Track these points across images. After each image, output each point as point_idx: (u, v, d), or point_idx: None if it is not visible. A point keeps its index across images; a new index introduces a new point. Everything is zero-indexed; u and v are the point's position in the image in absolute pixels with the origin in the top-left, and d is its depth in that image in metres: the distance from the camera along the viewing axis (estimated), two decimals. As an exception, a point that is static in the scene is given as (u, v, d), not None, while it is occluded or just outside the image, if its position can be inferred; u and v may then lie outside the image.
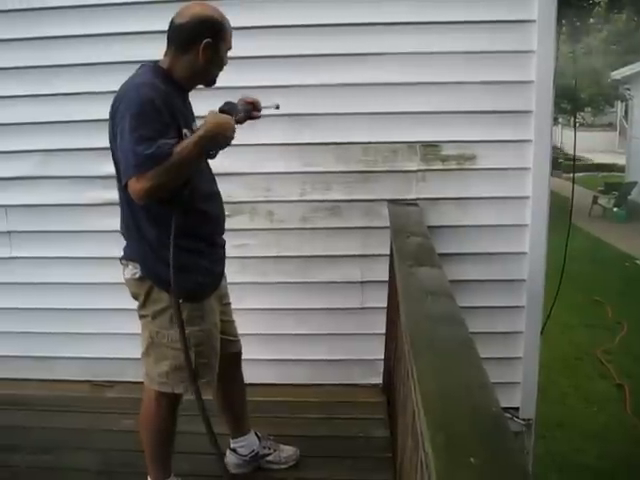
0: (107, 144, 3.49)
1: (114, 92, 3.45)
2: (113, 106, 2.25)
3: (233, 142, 2.35)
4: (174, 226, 2.25)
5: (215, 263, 2.51)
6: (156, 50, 3.36)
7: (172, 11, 3.38)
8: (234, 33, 2.36)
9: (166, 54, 2.34)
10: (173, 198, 2.24)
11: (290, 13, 3.40)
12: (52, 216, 3.74)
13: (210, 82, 2.43)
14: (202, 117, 2.34)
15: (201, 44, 2.26)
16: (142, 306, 2.44)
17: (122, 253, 2.45)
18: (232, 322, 2.77)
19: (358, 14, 3.41)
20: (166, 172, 2.12)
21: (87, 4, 3.48)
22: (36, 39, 3.54)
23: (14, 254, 3.81)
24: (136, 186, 2.12)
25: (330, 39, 3.42)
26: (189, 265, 2.36)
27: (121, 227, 2.44)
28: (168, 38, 2.33)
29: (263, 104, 2.65)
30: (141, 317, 2.47)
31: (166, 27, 3.35)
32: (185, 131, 2.28)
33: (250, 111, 2.58)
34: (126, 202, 2.32)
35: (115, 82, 3.45)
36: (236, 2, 3.07)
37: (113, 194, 3.51)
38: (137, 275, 2.38)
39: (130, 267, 2.40)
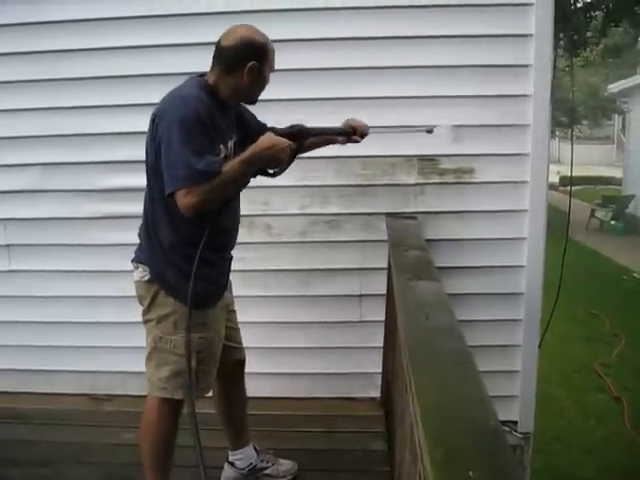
0: (106, 158, 3.55)
1: (114, 106, 3.53)
2: (156, 114, 2.28)
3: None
4: (204, 240, 2.28)
5: (221, 275, 2.55)
6: (157, 64, 3.42)
7: (171, 25, 3.45)
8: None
9: (211, 71, 2.38)
10: (207, 213, 2.27)
11: (283, 27, 3.41)
12: (51, 229, 3.74)
13: (252, 102, 2.51)
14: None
15: (246, 67, 2.31)
16: (147, 310, 2.46)
17: (133, 255, 2.49)
18: (237, 330, 2.80)
19: (352, 27, 3.44)
20: (213, 190, 2.17)
21: (88, 18, 3.50)
22: (37, 53, 3.56)
23: (13, 267, 3.81)
24: (184, 200, 2.16)
25: (328, 53, 3.45)
26: (198, 274, 2.37)
27: (140, 229, 2.49)
28: (213, 58, 2.37)
29: (416, 127, 2.94)
30: (146, 322, 2.49)
31: (168, 41, 3.44)
32: (221, 147, 2.31)
33: (350, 134, 2.73)
34: (150, 206, 2.38)
35: (115, 96, 3.52)
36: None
37: (112, 207, 3.57)
38: (146, 278, 2.40)
39: (140, 269, 2.43)
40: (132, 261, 2.48)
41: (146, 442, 2.55)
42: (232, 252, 2.63)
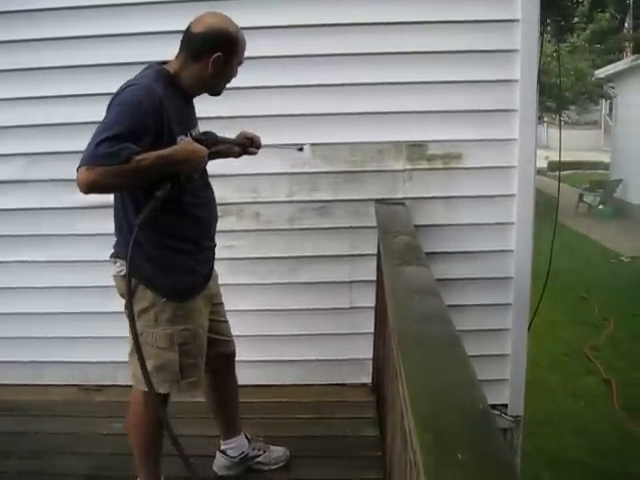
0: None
1: (99, 95, 3.46)
2: (109, 101, 2.26)
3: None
4: (146, 211, 2.22)
5: (201, 264, 2.51)
6: (140, 52, 3.39)
7: (154, 12, 3.42)
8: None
9: (177, 57, 2.35)
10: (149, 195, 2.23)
11: (273, 13, 3.40)
12: (36, 220, 3.72)
13: (215, 93, 2.46)
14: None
15: (211, 57, 2.28)
16: (128, 305, 2.43)
17: (112, 250, 2.46)
18: (225, 322, 2.77)
19: (341, 14, 3.42)
20: (116, 175, 2.11)
21: (70, 6, 3.47)
22: (19, 42, 3.53)
23: (-1, 258, 3.80)
24: (81, 176, 2.13)
25: (314, 39, 3.43)
26: (174, 264, 2.37)
27: (114, 224, 2.45)
28: (181, 43, 2.34)
29: (287, 145, 2.87)
30: (127, 316, 2.46)
31: (151, 29, 3.41)
32: (181, 137, 2.28)
33: (247, 146, 2.67)
34: (120, 200, 2.36)
35: (100, 84, 3.47)
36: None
37: (96, 197, 3.52)
38: (123, 272, 2.36)
39: (118, 264, 2.40)
40: (110, 256, 2.45)
41: (134, 435, 2.55)
42: (215, 242, 2.59)
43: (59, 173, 3.62)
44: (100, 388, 3.82)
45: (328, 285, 3.71)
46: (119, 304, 3.61)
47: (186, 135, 2.32)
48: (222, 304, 2.76)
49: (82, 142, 3.48)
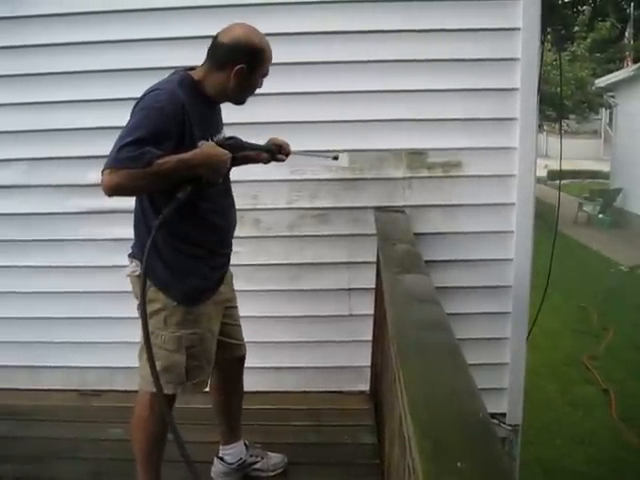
0: (91, 152, 3.52)
1: (100, 100, 3.51)
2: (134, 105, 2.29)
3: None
4: (166, 213, 2.23)
5: (214, 270, 2.53)
6: (142, 58, 3.41)
7: (160, 19, 3.42)
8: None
9: (203, 65, 2.37)
10: (170, 197, 2.25)
11: (274, 21, 3.40)
12: (36, 225, 3.72)
13: (238, 102, 2.48)
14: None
15: (234, 68, 2.30)
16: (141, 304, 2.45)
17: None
18: (238, 326, 2.80)
19: (343, 22, 3.43)
20: (138, 178, 2.13)
21: (72, 12, 3.47)
22: (20, 47, 3.53)
23: (-2, 263, 3.80)
24: (105, 178, 2.14)
25: (314, 47, 3.44)
26: (188, 269, 2.40)
27: (133, 225, 2.48)
28: (208, 51, 2.36)
29: (323, 154, 2.97)
30: (140, 316, 2.47)
31: (155, 35, 3.43)
32: (202, 142, 2.30)
33: (275, 153, 2.72)
34: (139, 202, 2.39)
35: (101, 90, 3.50)
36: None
37: (97, 203, 3.55)
38: (136, 273, 2.39)
39: (133, 264, 2.43)
40: (128, 256, 2.48)
41: (137, 437, 2.55)
42: (231, 248, 2.62)
43: (60, 178, 3.64)
44: (98, 393, 3.82)
45: (327, 292, 3.71)
46: (118, 310, 3.62)
47: (207, 140, 2.33)
48: (236, 308, 2.78)
49: (83, 148, 3.54)
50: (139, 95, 2.30)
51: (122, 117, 2.31)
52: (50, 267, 3.76)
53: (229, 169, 2.45)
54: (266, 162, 2.77)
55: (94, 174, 3.40)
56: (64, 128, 3.58)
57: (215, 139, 2.40)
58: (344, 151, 3.19)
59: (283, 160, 2.77)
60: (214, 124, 2.48)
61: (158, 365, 2.37)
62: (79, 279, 3.74)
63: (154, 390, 2.37)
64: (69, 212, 3.67)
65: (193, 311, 2.44)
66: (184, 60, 2.49)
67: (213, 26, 2.41)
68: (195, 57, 2.44)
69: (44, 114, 3.58)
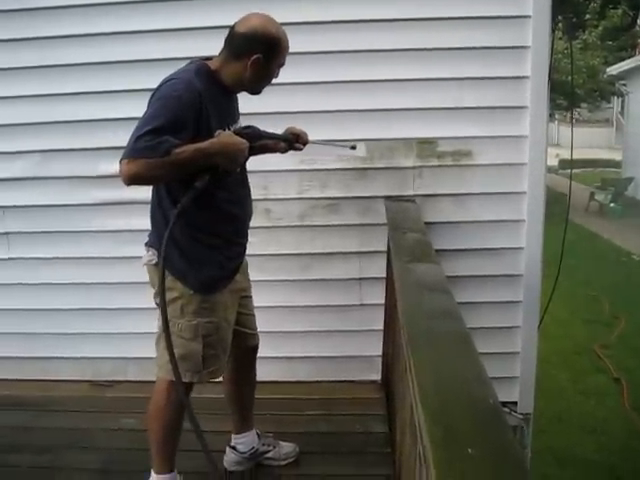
0: (104, 144, 3.55)
1: (112, 92, 3.52)
2: (151, 95, 2.30)
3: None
4: (184, 201, 2.25)
5: (230, 259, 2.54)
6: (155, 49, 3.42)
7: (171, 9, 3.43)
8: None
9: (220, 54, 2.38)
10: (187, 187, 2.27)
11: (283, 11, 3.39)
12: (49, 217, 3.74)
13: (254, 92, 2.49)
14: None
15: (251, 57, 2.30)
16: (157, 293, 2.46)
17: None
18: (252, 316, 2.82)
19: (352, 11, 3.42)
20: (156, 167, 2.15)
21: (88, 3, 3.48)
22: (36, 39, 3.54)
23: (12, 255, 3.81)
24: (123, 168, 2.16)
25: (325, 36, 3.43)
26: (204, 258, 2.42)
27: (150, 214, 2.50)
28: (225, 41, 2.37)
29: (341, 144, 2.99)
30: (157, 305, 2.49)
31: (167, 26, 3.43)
32: (219, 131, 2.31)
33: (293, 142, 2.72)
34: (156, 191, 2.41)
35: (113, 82, 3.51)
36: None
37: (110, 194, 3.57)
38: (153, 262, 2.41)
39: (150, 253, 2.44)
40: (145, 245, 2.50)
41: (153, 425, 2.57)
42: (247, 238, 2.63)
43: (74, 170, 3.65)
44: (111, 384, 3.84)
45: (338, 282, 3.71)
46: (131, 301, 3.65)
47: (224, 129, 2.34)
48: (251, 297, 2.80)
49: (96, 139, 3.55)
50: (152, 86, 2.32)
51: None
52: (62, 258, 3.78)
53: (246, 158, 2.46)
54: (284, 151, 2.78)
55: (107, 165, 3.43)
56: (78, 120, 3.59)
57: (232, 128, 2.41)
58: (357, 141, 3.18)
59: (301, 149, 2.78)
60: (231, 113, 2.49)
61: (175, 353, 2.39)
62: (92, 270, 3.77)
63: (172, 378, 2.40)
64: (83, 204, 3.69)
65: (209, 300, 2.46)
66: (197, 51, 2.50)
67: (228, 16, 2.42)
68: (208, 48, 2.45)
69: (56, 106, 3.59)
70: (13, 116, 3.65)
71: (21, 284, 3.85)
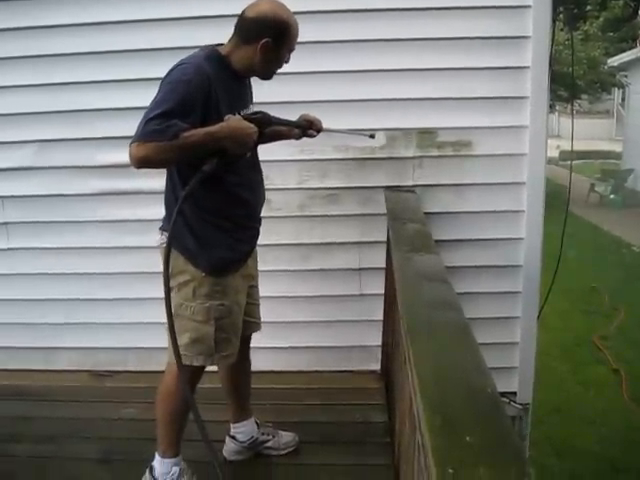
0: (103, 134, 3.54)
1: (111, 81, 3.51)
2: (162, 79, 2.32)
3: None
4: (192, 184, 2.26)
5: (241, 242, 2.56)
6: (158, 38, 3.40)
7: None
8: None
9: (230, 39, 2.40)
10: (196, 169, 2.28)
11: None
12: (49, 207, 3.74)
13: (265, 77, 2.50)
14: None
15: (260, 42, 2.31)
16: (171, 276, 2.47)
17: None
18: (257, 305, 2.84)
19: (349, 1, 3.41)
20: (165, 150, 2.17)
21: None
22: (32, 28, 3.52)
23: (11, 245, 3.81)
24: (133, 151, 2.18)
25: (325, 26, 3.41)
26: (214, 240, 2.44)
27: (164, 198, 2.52)
28: (235, 26, 2.38)
29: (358, 133, 3.06)
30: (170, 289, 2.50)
31: (165, 15, 3.41)
32: (228, 116, 2.31)
33: (306, 129, 2.76)
34: (169, 175, 2.43)
35: (112, 71, 3.49)
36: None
37: (109, 184, 3.57)
38: (165, 244, 2.40)
39: (162, 236, 2.45)
40: (159, 229, 2.52)
41: (162, 406, 2.59)
42: (260, 222, 2.67)
43: (72, 160, 3.65)
44: (111, 374, 3.85)
45: (338, 272, 3.71)
46: (131, 291, 3.66)
47: (234, 114, 2.35)
48: (257, 287, 2.82)
49: (94, 129, 3.55)
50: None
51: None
52: (62, 248, 3.77)
53: (257, 144, 2.48)
54: (298, 138, 2.82)
55: (105, 155, 3.42)
56: (75, 109, 3.58)
57: (242, 113, 2.42)
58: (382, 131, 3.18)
59: (314, 136, 2.81)
60: (242, 98, 2.50)
61: (187, 337, 2.46)
62: (92, 260, 3.77)
63: (184, 362, 2.41)
64: (85, 193, 3.68)
65: (221, 282, 2.47)
66: (204, 40, 2.48)
67: (236, 5, 2.41)
68: (215, 38, 2.45)
69: (55, 96, 3.58)
70: (10, 106, 3.64)
71: (20, 274, 3.85)
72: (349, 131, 3.09)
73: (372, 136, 3.05)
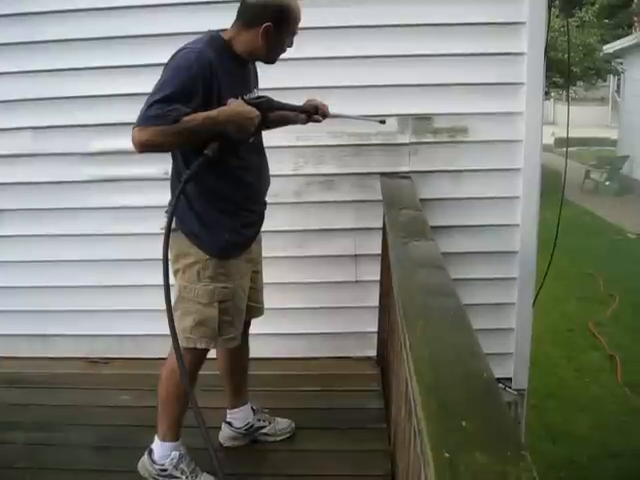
0: (98, 121, 3.53)
1: (104, 67, 3.49)
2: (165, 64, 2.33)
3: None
4: (193, 168, 2.27)
5: (246, 226, 2.57)
6: (153, 24, 3.38)
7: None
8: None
9: (233, 24, 2.40)
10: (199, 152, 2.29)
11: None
12: (43, 193, 3.73)
13: (268, 61, 2.51)
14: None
15: (262, 26, 2.32)
16: (175, 260, 2.50)
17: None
18: (259, 290, 2.85)
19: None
20: (166, 134, 2.18)
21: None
22: (23, 15, 3.51)
23: (7, 232, 3.80)
24: (135, 134, 2.19)
25: (319, 12, 3.39)
26: (218, 223, 2.46)
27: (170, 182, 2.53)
28: (237, 11, 2.39)
29: (368, 119, 3.09)
30: (174, 272, 2.52)
31: (164, 0, 3.39)
32: (231, 100, 2.32)
33: (312, 114, 2.77)
34: (174, 160, 2.44)
35: (104, 57, 3.47)
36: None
37: (104, 170, 3.56)
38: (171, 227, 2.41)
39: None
40: (165, 212, 2.49)
41: (164, 385, 2.59)
42: (265, 205, 2.70)
43: (65, 147, 3.63)
44: (107, 361, 3.85)
45: (334, 259, 3.71)
46: (127, 278, 3.65)
47: (237, 98, 2.35)
48: (260, 273, 2.83)
49: (88, 116, 3.53)
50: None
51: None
52: (58, 235, 3.77)
53: (260, 128, 2.48)
54: (304, 123, 2.83)
55: (101, 142, 3.41)
56: (69, 96, 3.56)
57: (245, 97, 2.42)
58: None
59: (319, 121, 2.81)
60: (245, 83, 2.50)
61: (191, 319, 2.48)
62: (86, 247, 3.76)
63: (186, 345, 2.46)
64: (77, 181, 3.67)
65: (225, 265, 2.49)
66: (205, 26, 2.47)
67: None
68: (218, 23, 2.45)
69: (48, 82, 3.57)
70: (3, 92, 3.62)
71: (16, 261, 3.85)
72: (358, 117, 3.08)
73: (383, 122, 3.07)
